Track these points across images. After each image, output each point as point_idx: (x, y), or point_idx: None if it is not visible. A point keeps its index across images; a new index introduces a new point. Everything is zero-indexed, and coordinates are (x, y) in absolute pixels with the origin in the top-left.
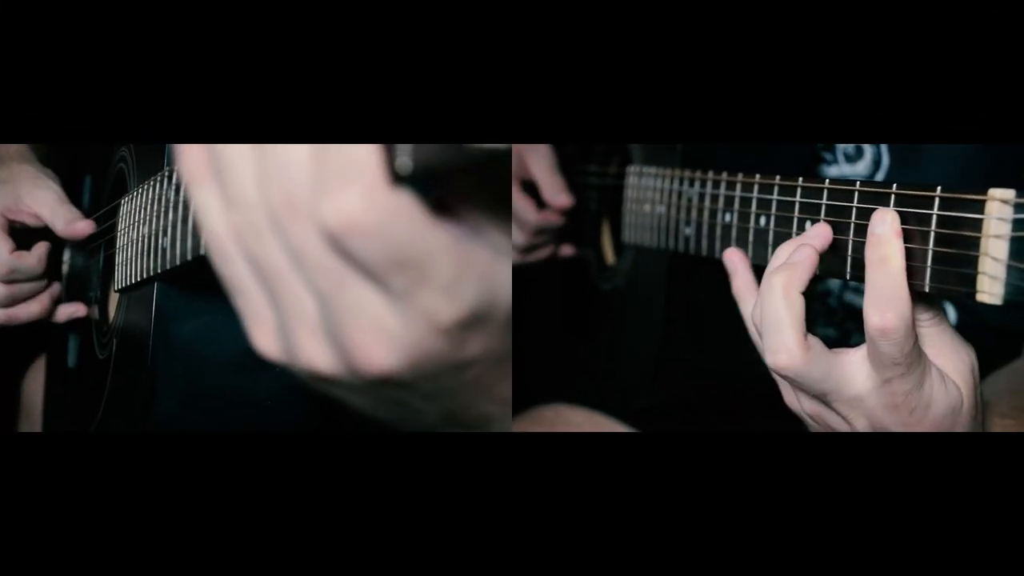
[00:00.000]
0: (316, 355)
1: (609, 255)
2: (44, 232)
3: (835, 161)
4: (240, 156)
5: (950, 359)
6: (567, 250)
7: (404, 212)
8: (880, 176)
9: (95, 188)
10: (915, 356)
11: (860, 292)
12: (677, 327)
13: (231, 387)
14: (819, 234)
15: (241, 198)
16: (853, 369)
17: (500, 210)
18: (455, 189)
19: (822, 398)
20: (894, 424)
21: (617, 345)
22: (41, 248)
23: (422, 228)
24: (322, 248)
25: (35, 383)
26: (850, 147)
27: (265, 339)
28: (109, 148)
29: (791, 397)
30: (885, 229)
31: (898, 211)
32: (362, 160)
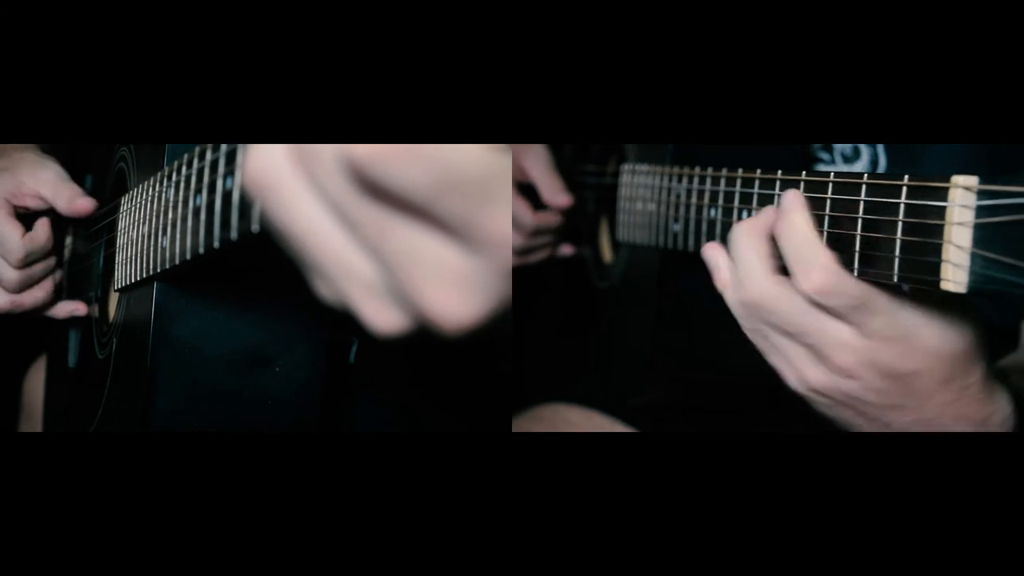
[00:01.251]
0: (384, 319)
1: (607, 253)
2: (48, 215)
3: (832, 161)
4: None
5: (945, 309)
6: (566, 249)
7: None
8: None
9: (96, 187)
10: (869, 293)
11: None
12: (670, 324)
13: (231, 385)
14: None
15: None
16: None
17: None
18: None
19: (804, 340)
20: (894, 361)
21: (614, 343)
22: (44, 224)
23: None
24: (353, 191)
25: (36, 383)
26: (847, 148)
27: (327, 292)
28: (109, 147)
29: (799, 373)
30: (787, 205)
31: (869, 201)
32: None
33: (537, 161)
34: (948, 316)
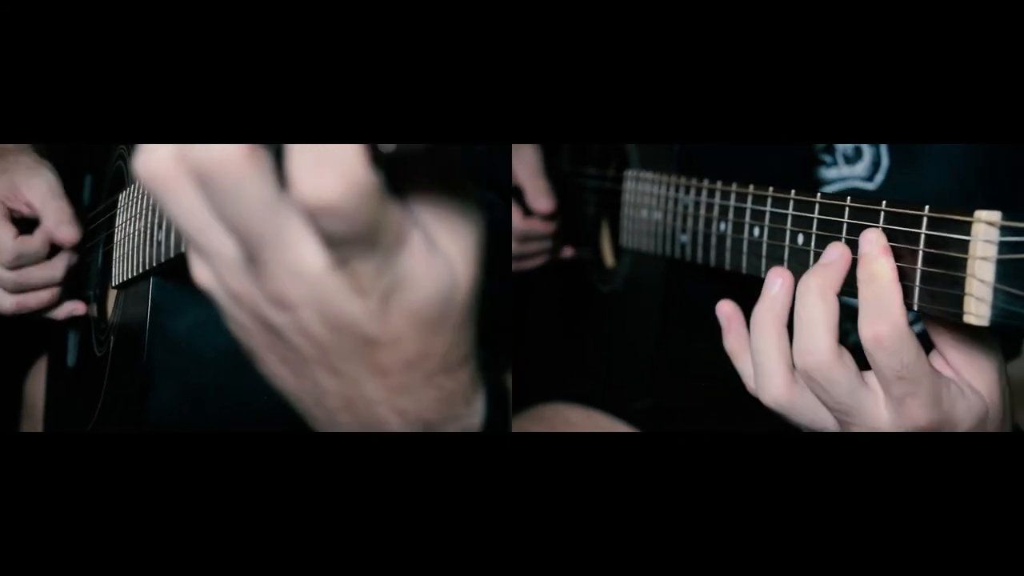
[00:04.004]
0: (242, 288)
1: (608, 257)
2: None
3: (834, 163)
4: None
5: (970, 365)
6: (567, 252)
7: (375, 193)
8: (879, 177)
9: (95, 187)
10: (921, 371)
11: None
12: (674, 330)
13: (227, 381)
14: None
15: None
16: (875, 397)
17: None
18: (407, 175)
19: (843, 416)
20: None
21: (615, 347)
22: (43, 233)
23: (386, 207)
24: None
25: (36, 384)
26: (849, 149)
27: (201, 271)
28: (108, 147)
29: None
30: (870, 248)
31: (887, 228)
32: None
33: (524, 164)
34: (979, 406)
